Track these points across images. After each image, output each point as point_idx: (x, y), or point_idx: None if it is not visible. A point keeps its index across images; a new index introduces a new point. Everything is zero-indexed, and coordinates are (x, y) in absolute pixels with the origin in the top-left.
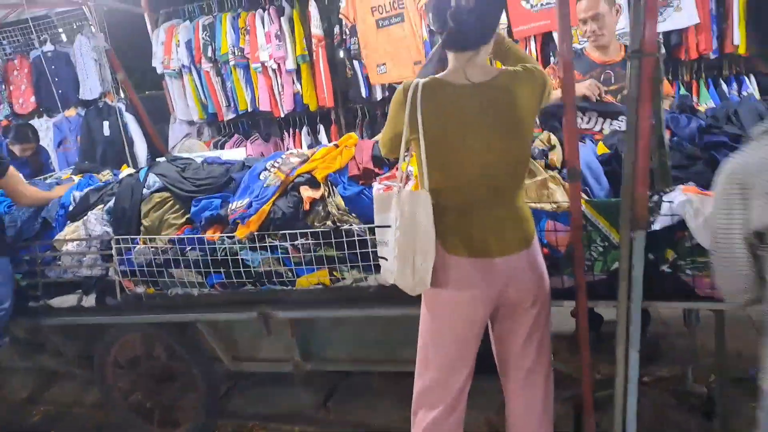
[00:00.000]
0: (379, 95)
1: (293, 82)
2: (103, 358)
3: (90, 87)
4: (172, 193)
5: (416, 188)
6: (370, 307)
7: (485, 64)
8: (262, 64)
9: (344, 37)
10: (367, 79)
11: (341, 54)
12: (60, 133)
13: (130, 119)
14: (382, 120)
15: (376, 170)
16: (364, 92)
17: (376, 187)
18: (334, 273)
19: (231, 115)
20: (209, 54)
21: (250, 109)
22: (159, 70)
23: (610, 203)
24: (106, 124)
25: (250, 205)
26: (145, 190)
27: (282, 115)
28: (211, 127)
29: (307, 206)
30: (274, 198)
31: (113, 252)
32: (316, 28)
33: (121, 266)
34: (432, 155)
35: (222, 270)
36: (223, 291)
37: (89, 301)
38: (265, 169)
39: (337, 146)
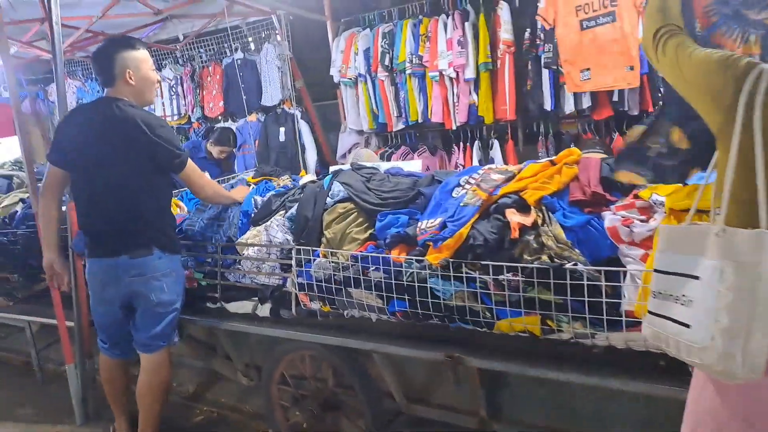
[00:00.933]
0: (568, 107)
1: (470, 92)
2: (270, 371)
3: (271, 94)
4: (357, 204)
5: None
6: (596, 375)
7: None
8: (440, 72)
9: (538, 42)
10: (554, 90)
11: (528, 62)
12: (241, 137)
13: (304, 126)
14: (568, 139)
15: (607, 195)
16: (549, 105)
17: (610, 218)
18: (548, 322)
19: (401, 126)
20: (386, 62)
21: (420, 120)
22: (335, 79)
23: None
24: (282, 130)
25: (443, 226)
26: (328, 199)
27: (454, 127)
28: (378, 138)
29: (515, 234)
30: (473, 220)
31: (293, 262)
32: (507, 33)
33: (299, 278)
34: None
35: (406, 297)
36: (404, 321)
37: (264, 310)
38: (459, 185)
39: (553, 162)
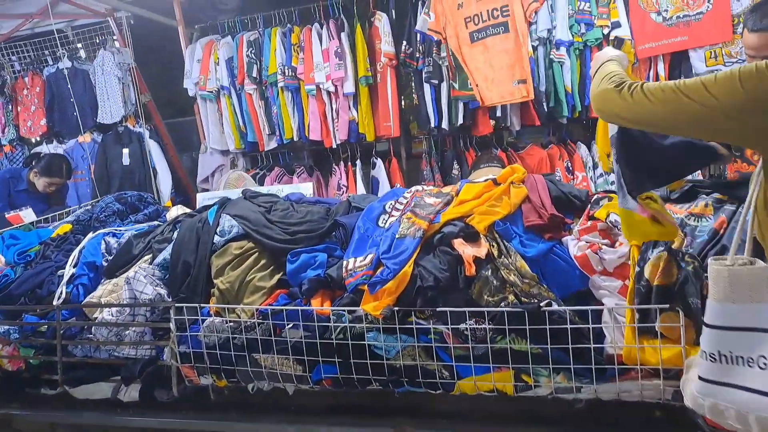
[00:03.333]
0: (445, 123)
1: (349, 108)
2: None
3: (110, 109)
4: (257, 242)
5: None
6: None
7: None
8: (317, 86)
9: (417, 55)
10: (437, 106)
11: (411, 77)
12: (72, 162)
13: (154, 147)
14: (453, 156)
15: (565, 218)
16: (433, 121)
17: (576, 244)
18: (524, 377)
19: (274, 144)
20: (254, 74)
21: (296, 138)
22: (191, 92)
23: None
24: (125, 151)
25: (377, 265)
26: (217, 238)
27: (334, 146)
28: (246, 158)
29: (471, 270)
30: (415, 256)
31: (171, 325)
32: (387, 45)
33: (182, 346)
34: None
35: (337, 360)
36: (335, 390)
37: (131, 393)
38: (384, 211)
39: (496, 182)
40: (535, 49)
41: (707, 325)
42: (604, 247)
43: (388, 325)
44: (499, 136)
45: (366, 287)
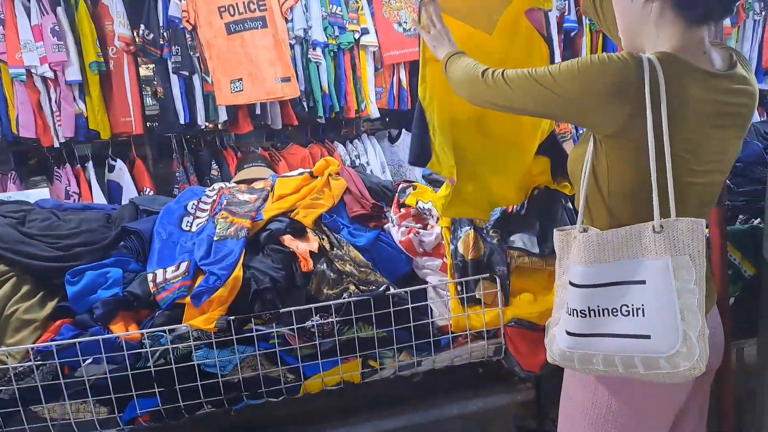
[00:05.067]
0: (201, 119)
1: (74, 99)
2: None
3: None
4: (14, 264)
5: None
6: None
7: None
8: (27, 70)
9: (162, 42)
10: (187, 100)
11: (150, 66)
12: None
13: None
14: (209, 156)
15: (384, 207)
16: (183, 118)
17: (398, 230)
18: (371, 362)
19: None
20: None
21: None
22: None
23: (745, 231)
24: None
25: (194, 272)
26: None
27: (57, 144)
28: None
29: (309, 265)
30: (243, 257)
31: None
32: (122, 27)
33: None
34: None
35: (156, 390)
36: (155, 425)
37: None
38: (186, 212)
39: (313, 175)
40: (292, 47)
41: (576, 286)
42: (420, 231)
43: (223, 338)
44: (259, 135)
45: (187, 300)
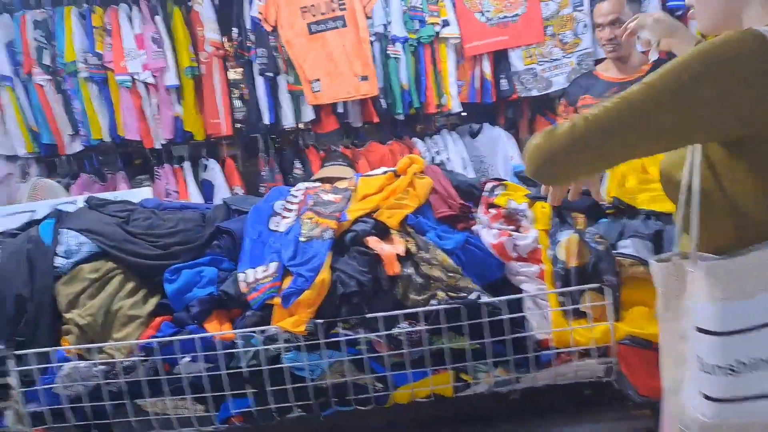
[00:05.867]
0: (287, 119)
1: (172, 103)
2: None
3: None
4: (120, 261)
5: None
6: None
7: None
8: (132, 76)
9: (249, 45)
10: (273, 101)
11: (238, 70)
12: None
13: None
14: (292, 155)
15: (472, 208)
16: (267, 118)
17: (490, 232)
18: (463, 376)
19: (79, 147)
20: (46, 61)
21: (108, 139)
22: None
23: None
24: None
25: (282, 274)
26: (61, 260)
27: (158, 146)
28: (41, 164)
29: (395, 269)
30: (329, 259)
31: (11, 381)
32: (212, 32)
33: (31, 405)
34: None
35: (250, 391)
36: (247, 426)
37: None
38: (274, 213)
39: (397, 174)
40: (371, 44)
41: (711, 333)
42: (513, 233)
43: (311, 341)
44: (338, 133)
45: (277, 301)
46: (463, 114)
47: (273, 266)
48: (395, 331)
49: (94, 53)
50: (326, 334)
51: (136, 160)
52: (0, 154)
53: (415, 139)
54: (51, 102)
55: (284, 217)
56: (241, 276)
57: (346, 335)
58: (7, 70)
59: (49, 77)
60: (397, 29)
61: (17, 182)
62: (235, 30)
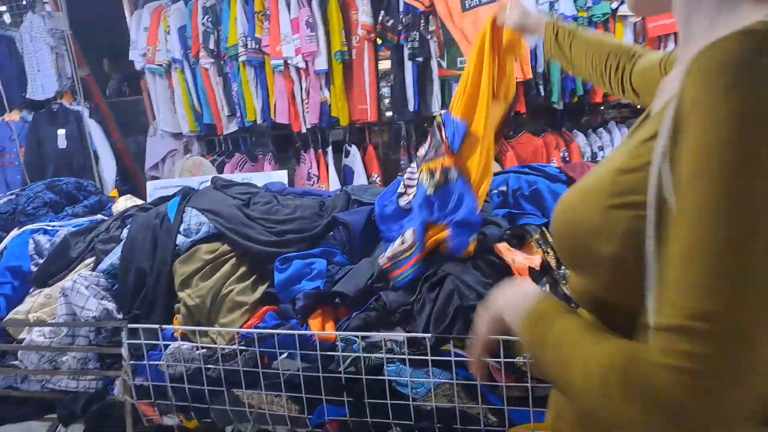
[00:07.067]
0: (436, 106)
1: (321, 88)
2: None
3: (42, 83)
4: (235, 245)
5: None
6: None
7: None
8: (285, 61)
9: (400, 28)
10: (417, 88)
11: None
12: None
13: (94, 128)
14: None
15: None
16: (412, 105)
17: None
18: None
19: (234, 128)
20: (211, 45)
21: (261, 121)
22: (138, 65)
23: None
24: (61, 133)
25: (420, 240)
26: (181, 238)
27: (304, 130)
28: (201, 143)
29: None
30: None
31: (123, 350)
32: (365, 15)
33: (138, 378)
34: None
35: (346, 399)
36: None
37: None
38: (399, 194)
39: None
40: None
41: None
42: None
43: (418, 355)
44: None
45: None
46: (637, 106)
47: (408, 235)
48: (519, 359)
49: (253, 37)
50: (435, 351)
51: (284, 143)
52: (167, 132)
53: (576, 132)
54: (213, 85)
55: (408, 194)
56: (386, 252)
57: (458, 355)
58: (179, 54)
59: (212, 61)
60: (566, 7)
61: (180, 158)
62: (382, 12)
